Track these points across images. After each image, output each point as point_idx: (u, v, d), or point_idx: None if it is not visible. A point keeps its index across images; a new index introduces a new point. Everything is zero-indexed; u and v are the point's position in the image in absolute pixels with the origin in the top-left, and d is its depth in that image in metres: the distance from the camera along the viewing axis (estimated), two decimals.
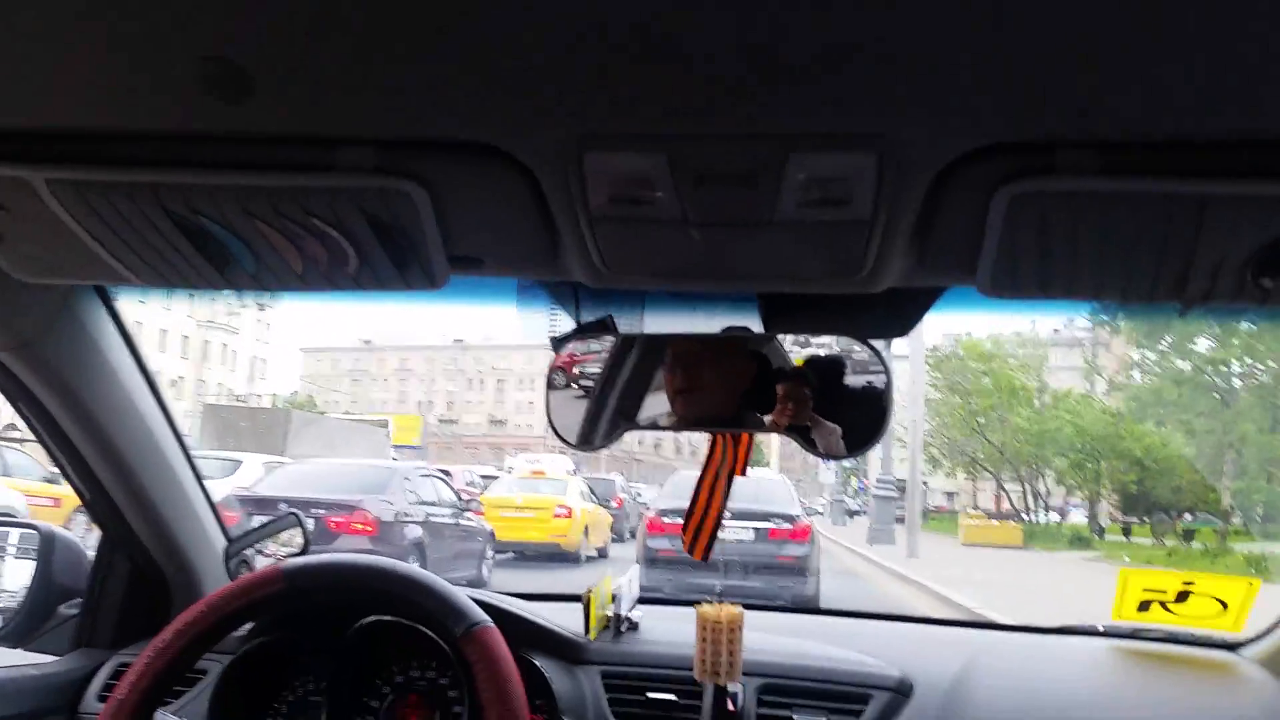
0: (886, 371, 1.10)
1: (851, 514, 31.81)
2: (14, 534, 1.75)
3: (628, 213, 0.75)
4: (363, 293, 0.89)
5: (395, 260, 0.82)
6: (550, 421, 1.17)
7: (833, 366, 1.16)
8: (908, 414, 16.23)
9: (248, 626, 1.45)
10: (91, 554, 1.63)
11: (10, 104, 0.67)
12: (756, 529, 9.38)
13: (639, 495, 22.89)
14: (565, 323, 1.08)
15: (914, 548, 16.23)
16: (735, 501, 1.26)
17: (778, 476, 12.76)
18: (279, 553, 1.73)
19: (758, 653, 1.43)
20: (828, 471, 32.66)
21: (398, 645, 1.44)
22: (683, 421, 1.24)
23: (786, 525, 9.62)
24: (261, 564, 1.66)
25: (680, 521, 1.38)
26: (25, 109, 0.69)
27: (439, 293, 0.90)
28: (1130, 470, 24.34)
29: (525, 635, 1.42)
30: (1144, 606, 1.62)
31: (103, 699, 1.46)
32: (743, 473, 1.25)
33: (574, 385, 1.22)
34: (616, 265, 0.84)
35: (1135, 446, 23.32)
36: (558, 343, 1.11)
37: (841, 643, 1.52)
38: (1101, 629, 1.72)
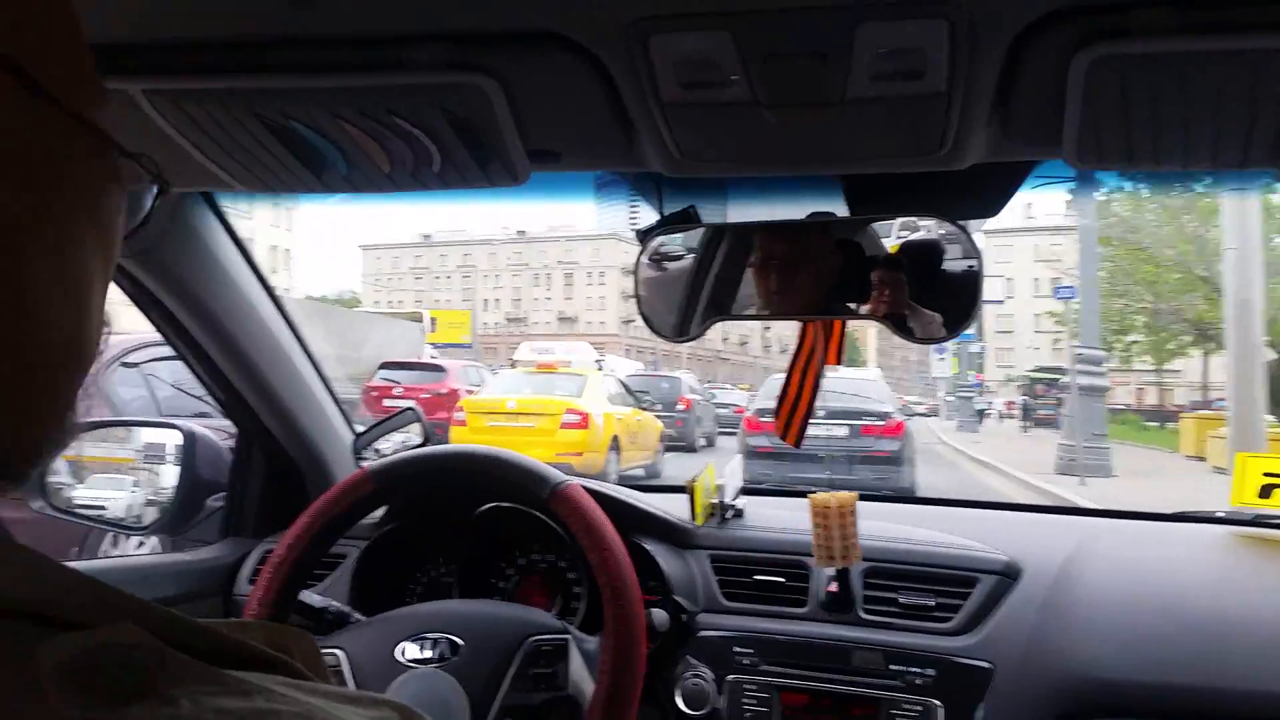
0: (976, 253, 1.07)
1: (980, 414, 26.48)
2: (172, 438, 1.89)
3: (698, 97, 0.75)
4: (450, 191, 0.93)
5: (476, 157, 0.85)
6: (642, 313, 1.19)
7: (927, 251, 1.14)
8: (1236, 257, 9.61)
9: (377, 515, 1.55)
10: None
11: (104, 18, 0.71)
12: (850, 426, 9.56)
13: (714, 396, 19.02)
14: (648, 213, 1.09)
15: None
16: (830, 400, 1.27)
17: (873, 376, 12.46)
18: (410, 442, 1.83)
19: (864, 537, 1.45)
20: (941, 364, 29.79)
21: (519, 531, 1.52)
22: (776, 313, 1.24)
23: (879, 422, 9.74)
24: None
25: None
26: (118, 23, 0.73)
27: (522, 189, 0.93)
28: None
29: (633, 521, 1.47)
30: (1265, 492, 1.56)
31: (252, 582, 1.60)
32: (837, 360, 1.25)
33: (663, 276, 1.23)
34: (692, 152, 0.84)
35: None
36: (643, 234, 1.13)
37: (948, 530, 1.52)
38: (1221, 515, 1.67)
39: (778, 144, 0.83)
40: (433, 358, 17.90)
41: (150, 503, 1.81)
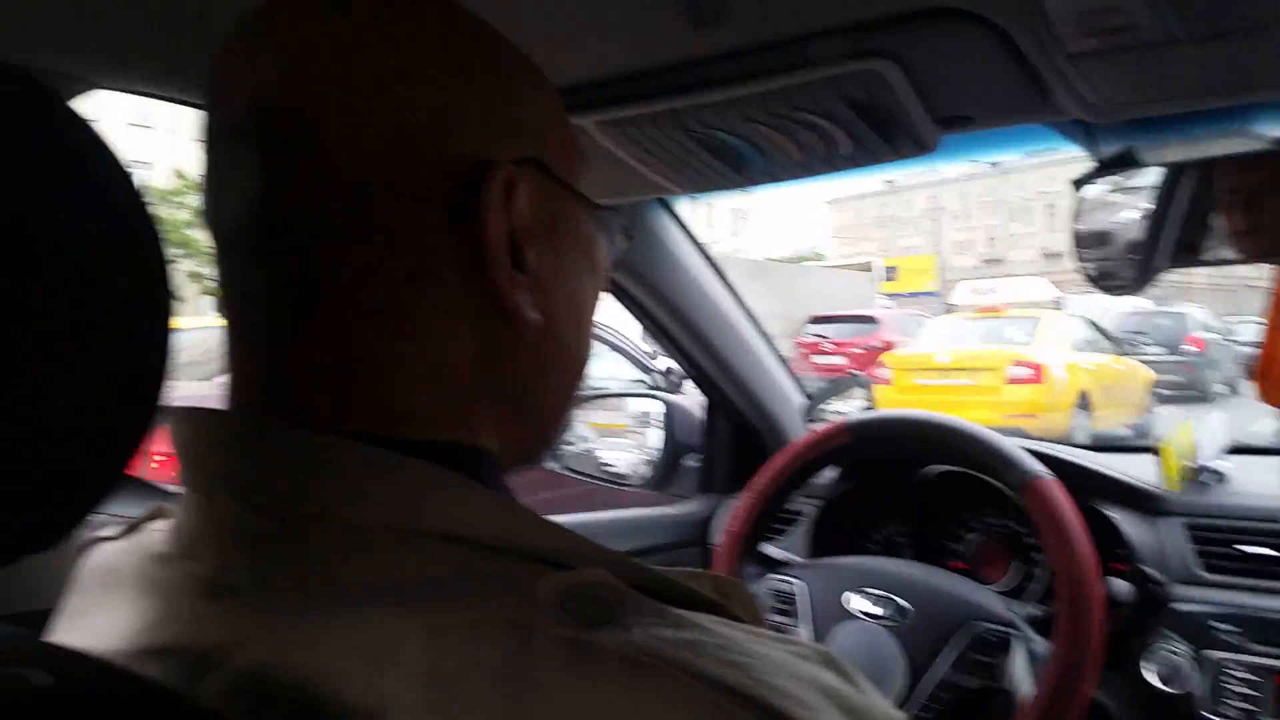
0: None
1: None
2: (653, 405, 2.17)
3: (1108, 44, 0.70)
4: (862, 168, 0.97)
5: (883, 135, 0.88)
6: (1084, 268, 1.12)
7: None
8: None
9: (832, 475, 1.64)
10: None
11: (562, 65, 0.86)
12: None
13: (1234, 334, 14.23)
14: (1082, 159, 1.02)
15: None
16: None
17: None
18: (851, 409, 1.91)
19: None
20: None
21: (974, 494, 1.51)
22: (1251, 255, 1.09)
23: None
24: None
25: None
26: (573, 68, 0.87)
27: (938, 152, 0.94)
28: None
29: (1094, 486, 1.38)
30: None
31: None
32: None
33: (1110, 225, 1.15)
34: (1112, 99, 0.78)
35: None
36: (1079, 183, 1.06)
37: None
38: None
39: (1210, 77, 0.74)
40: (886, 308, 16.69)
41: (645, 462, 2.09)
